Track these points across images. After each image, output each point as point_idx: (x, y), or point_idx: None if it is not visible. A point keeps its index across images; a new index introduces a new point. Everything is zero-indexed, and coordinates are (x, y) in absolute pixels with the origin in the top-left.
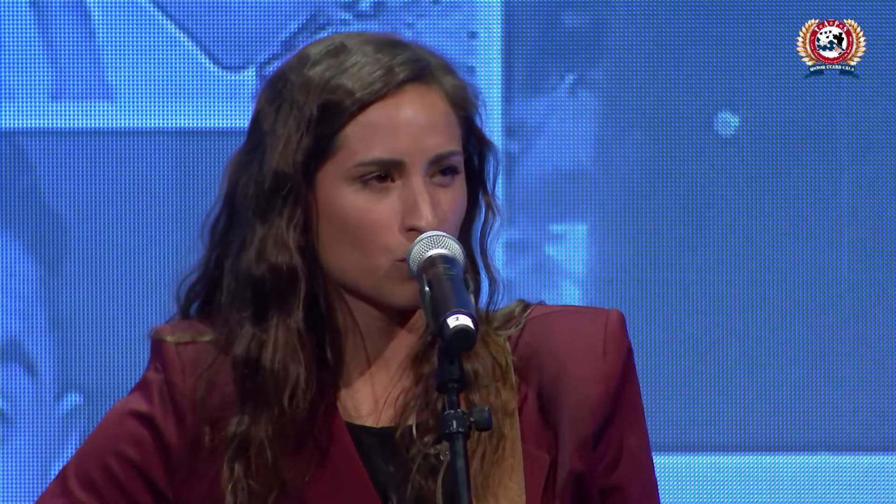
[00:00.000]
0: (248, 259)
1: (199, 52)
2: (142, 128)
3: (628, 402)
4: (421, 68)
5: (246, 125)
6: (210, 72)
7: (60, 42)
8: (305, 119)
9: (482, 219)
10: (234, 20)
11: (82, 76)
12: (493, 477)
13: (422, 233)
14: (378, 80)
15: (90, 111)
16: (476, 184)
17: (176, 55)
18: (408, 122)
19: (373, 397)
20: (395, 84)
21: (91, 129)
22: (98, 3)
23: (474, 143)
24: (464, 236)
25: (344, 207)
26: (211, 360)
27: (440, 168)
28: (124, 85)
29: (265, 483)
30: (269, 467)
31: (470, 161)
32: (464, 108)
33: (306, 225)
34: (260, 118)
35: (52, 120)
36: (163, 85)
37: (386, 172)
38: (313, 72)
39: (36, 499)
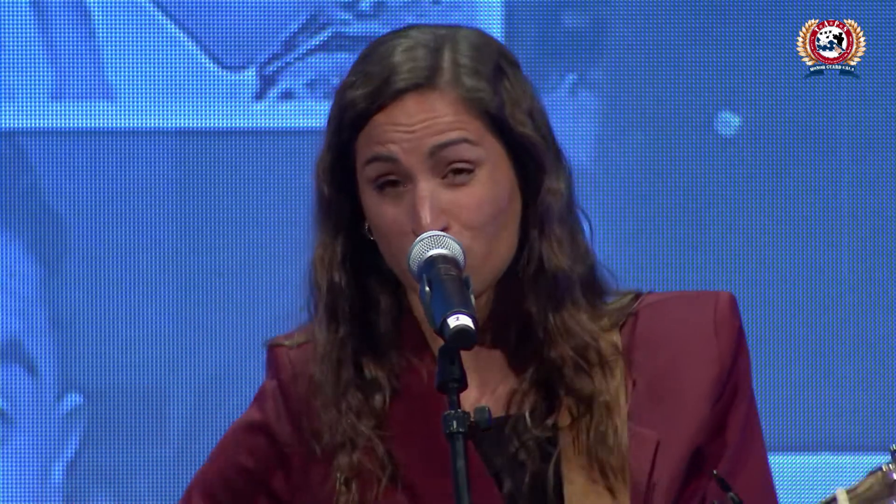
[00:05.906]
0: (309, 265)
1: (199, 52)
2: (142, 128)
3: (741, 374)
4: (423, 77)
5: (246, 125)
6: (210, 72)
7: (60, 42)
8: (334, 127)
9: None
10: (234, 20)
11: (82, 76)
12: (597, 455)
13: None
14: (376, 91)
15: (90, 111)
16: (535, 174)
17: (176, 55)
18: (402, 124)
19: (477, 388)
20: (390, 94)
21: (91, 129)
22: (98, 3)
23: (513, 137)
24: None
25: (371, 213)
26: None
27: (451, 167)
28: (124, 85)
29: (373, 473)
30: (379, 456)
31: (520, 153)
32: (486, 107)
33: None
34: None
35: (53, 120)
36: (163, 85)
37: (396, 177)
38: (346, 79)
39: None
